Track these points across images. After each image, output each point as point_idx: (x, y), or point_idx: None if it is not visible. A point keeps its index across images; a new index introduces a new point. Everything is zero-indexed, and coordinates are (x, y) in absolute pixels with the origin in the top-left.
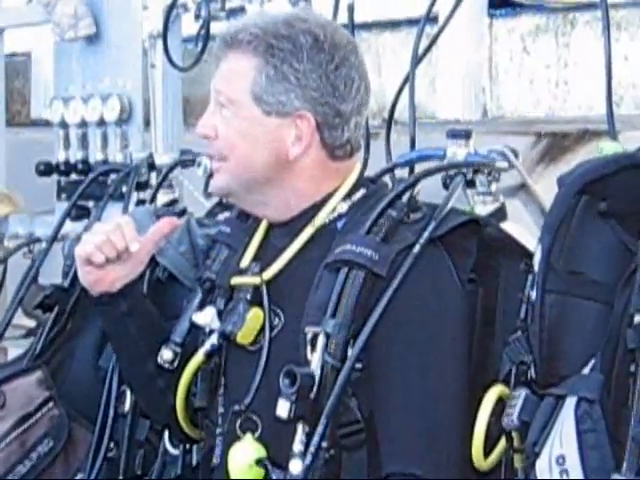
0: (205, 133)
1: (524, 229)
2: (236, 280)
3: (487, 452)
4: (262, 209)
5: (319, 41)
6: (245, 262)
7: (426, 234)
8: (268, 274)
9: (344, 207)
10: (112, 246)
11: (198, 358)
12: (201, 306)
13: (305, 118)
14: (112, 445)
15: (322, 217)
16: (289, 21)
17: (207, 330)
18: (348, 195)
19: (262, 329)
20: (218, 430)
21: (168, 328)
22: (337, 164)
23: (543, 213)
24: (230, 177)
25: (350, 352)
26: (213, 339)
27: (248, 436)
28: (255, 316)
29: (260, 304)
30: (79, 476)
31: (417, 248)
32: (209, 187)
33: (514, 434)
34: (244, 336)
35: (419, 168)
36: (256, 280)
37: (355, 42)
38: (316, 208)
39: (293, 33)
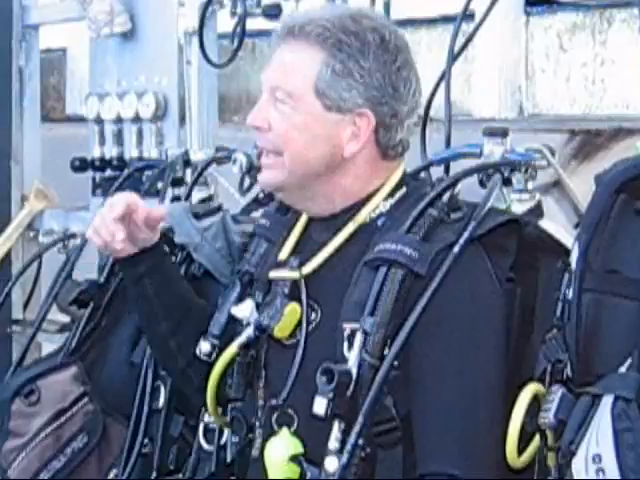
0: (258, 124)
1: (559, 226)
2: (274, 274)
3: (521, 450)
4: (307, 204)
5: (385, 40)
6: (283, 255)
7: (466, 234)
8: (307, 269)
9: (386, 206)
10: (105, 230)
11: (232, 350)
12: (240, 299)
13: (365, 116)
14: (146, 441)
15: (364, 215)
16: (356, 17)
17: (245, 323)
18: (390, 194)
19: (299, 324)
20: (257, 422)
21: (189, 293)
22: (386, 163)
23: (576, 210)
24: (284, 172)
25: (387, 350)
26: (249, 331)
27: (284, 430)
28: (292, 311)
29: (298, 298)
30: (113, 471)
31: (457, 248)
32: (259, 182)
33: (548, 432)
34: (281, 330)
35: (455, 165)
36: (295, 274)
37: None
38: (358, 205)
39: (361, 30)
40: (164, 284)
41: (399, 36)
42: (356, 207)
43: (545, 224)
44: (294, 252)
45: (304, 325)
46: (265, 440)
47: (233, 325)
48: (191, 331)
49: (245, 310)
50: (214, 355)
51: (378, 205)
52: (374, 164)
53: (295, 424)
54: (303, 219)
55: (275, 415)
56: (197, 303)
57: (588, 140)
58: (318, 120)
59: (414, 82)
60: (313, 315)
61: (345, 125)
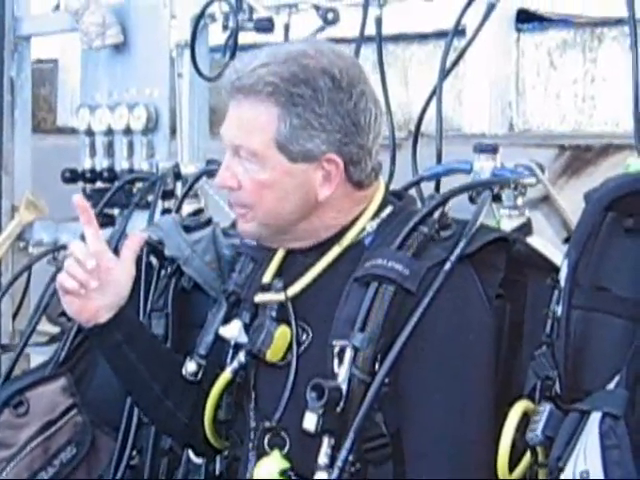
0: (228, 185)
1: (548, 242)
2: (260, 297)
3: (512, 466)
4: (290, 244)
5: (336, 80)
6: (267, 278)
7: (457, 251)
8: (293, 290)
9: (373, 225)
10: (79, 268)
11: (226, 376)
12: (226, 319)
13: (332, 160)
14: (135, 453)
15: (350, 237)
16: (302, 62)
17: (233, 343)
18: (376, 214)
19: (290, 345)
20: (250, 445)
21: (168, 351)
22: (363, 192)
23: (565, 226)
24: (258, 225)
25: (377, 366)
26: (241, 357)
27: (275, 452)
28: (283, 333)
29: (286, 320)
30: None
31: (448, 265)
32: (238, 231)
33: (538, 449)
34: (273, 354)
35: (445, 181)
36: (280, 297)
37: (361, 66)
38: (344, 230)
39: (310, 76)
40: (146, 347)
41: (350, 69)
42: (341, 232)
43: (533, 240)
44: (279, 274)
45: (294, 347)
46: (255, 462)
47: (219, 344)
48: (184, 384)
49: (233, 330)
50: (200, 374)
51: (365, 226)
52: (351, 196)
53: (287, 446)
54: None
55: (267, 437)
56: (178, 355)
57: (577, 156)
58: (286, 174)
59: (373, 109)
60: (304, 336)
61: (314, 172)
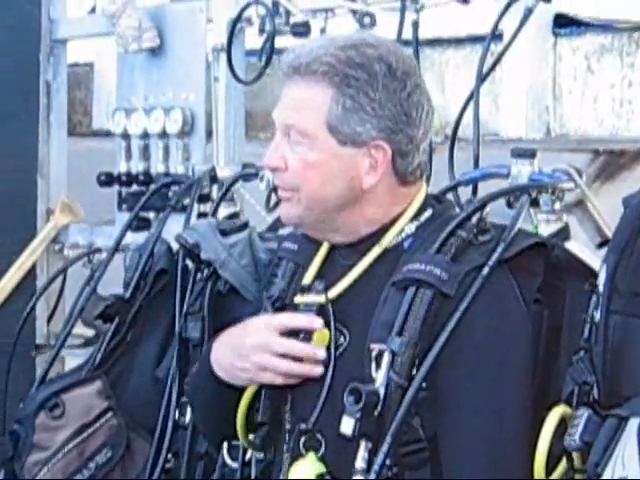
0: (275, 165)
1: (584, 247)
2: (300, 299)
3: (549, 472)
4: (331, 235)
5: (392, 68)
6: (307, 279)
7: (495, 256)
8: (334, 292)
9: (412, 228)
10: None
11: None
12: None
13: (381, 147)
14: (170, 456)
15: (389, 238)
16: (360, 48)
17: None
18: (415, 216)
19: (328, 347)
20: (285, 447)
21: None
22: (406, 189)
23: (599, 231)
24: (303, 208)
25: (414, 371)
26: None
27: (310, 454)
28: (321, 336)
29: (326, 323)
30: None
31: (486, 270)
32: (280, 216)
33: (575, 454)
34: None
35: (482, 185)
36: (321, 299)
37: (416, 62)
38: (384, 229)
39: (367, 61)
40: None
41: (406, 60)
42: (381, 231)
43: (570, 245)
44: (319, 276)
45: (332, 350)
46: (290, 464)
47: None
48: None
49: None
50: None
51: (403, 228)
52: (394, 191)
53: (322, 448)
54: (327, 242)
55: (303, 439)
56: None
57: (611, 160)
58: (334, 156)
59: (426, 104)
60: (341, 339)
61: (361, 158)
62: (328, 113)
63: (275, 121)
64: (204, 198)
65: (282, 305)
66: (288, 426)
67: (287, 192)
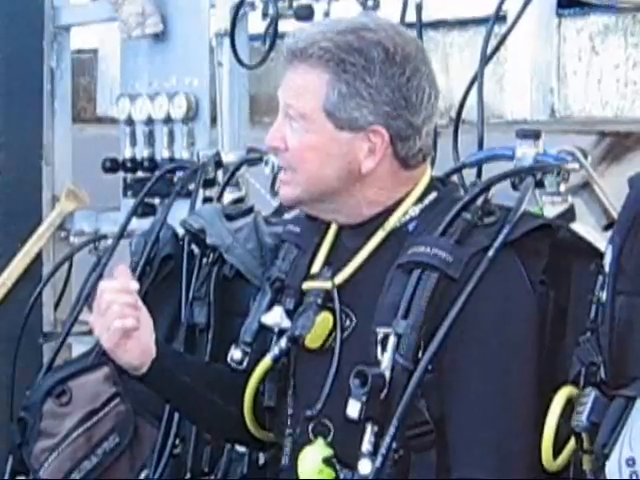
0: (275, 145)
1: (590, 228)
2: (308, 285)
3: (556, 453)
4: (332, 215)
5: (390, 53)
6: (316, 267)
7: (500, 238)
8: (340, 278)
9: (416, 211)
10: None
11: (266, 363)
12: (270, 306)
13: (378, 133)
14: (177, 442)
15: (394, 221)
16: (359, 32)
17: (276, 330)
18: (420, 199)
19: (331, 333)
20: (287, 431)
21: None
22: (409, 172)
23: (605, 212)
24: (300, 189)
25: (420, 353)
26: (282, 344)
27: (319, 440)
28: (324, 320)
29: (330, 308)
30: (144, 472)
31: (491, 252)
32: (279, 197)
33: (583, 435)
34: (312, 340)
35: (487, 168)
36: (327, 285)
37: (423, 47)
38: (388, 212)
39: (364, 46)
40: (187, 362)
41: (407, 45)
42: (385, 213)
43: (576, 227)
44: (327, 262)
45: (338, 333)
46: (299, 449)
47: (265, 332)
48: (230, 375)
49: (275, 317)
50: (245, 362)
51: (408, 210)
52: (396, 174)
53: (331, 433)
54: (334, 226)
55: (311, 425)
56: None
57: (617, 142)
58: (331, 140)
59: (427, 88)
60: (347, 322)
61: (360, 142)
62: (325, 98)
63: (280, 101)
64: (209, 183)
65: (281, 286)
66: (290, 411)
67: (286, 174)
